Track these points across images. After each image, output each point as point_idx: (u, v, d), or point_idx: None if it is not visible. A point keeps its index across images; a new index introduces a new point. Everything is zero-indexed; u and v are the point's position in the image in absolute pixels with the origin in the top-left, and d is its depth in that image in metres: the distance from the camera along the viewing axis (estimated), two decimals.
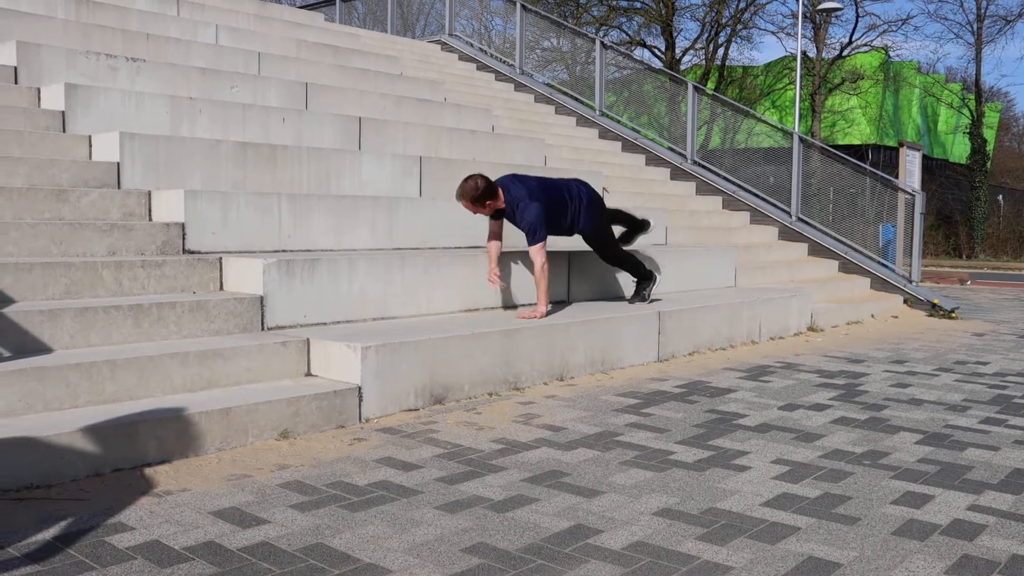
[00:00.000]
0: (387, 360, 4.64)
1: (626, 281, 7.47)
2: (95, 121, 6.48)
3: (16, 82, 6.86)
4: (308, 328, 5.11)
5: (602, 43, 13.98)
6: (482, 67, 15.01)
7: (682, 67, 35.23)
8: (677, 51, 35.14)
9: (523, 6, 14.91)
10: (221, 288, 5.27)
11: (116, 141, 5.96)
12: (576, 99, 14.36)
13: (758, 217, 11.92)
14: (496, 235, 6.16)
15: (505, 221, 6.61)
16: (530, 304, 6.50)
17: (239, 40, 9.78)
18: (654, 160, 12.85)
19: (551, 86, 14.94)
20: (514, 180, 6.08)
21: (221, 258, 5.30)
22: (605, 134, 13.34)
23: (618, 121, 13.91)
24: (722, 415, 4.86)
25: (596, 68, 13.82)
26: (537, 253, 5.92)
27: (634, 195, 10.63)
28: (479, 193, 5.89)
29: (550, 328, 5.65)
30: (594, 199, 6.45)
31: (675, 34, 34.88)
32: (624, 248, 6.97)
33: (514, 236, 7.30)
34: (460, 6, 17.03)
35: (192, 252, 5.54)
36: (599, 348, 6.02)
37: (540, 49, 21.59)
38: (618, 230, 7.26)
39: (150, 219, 5.75)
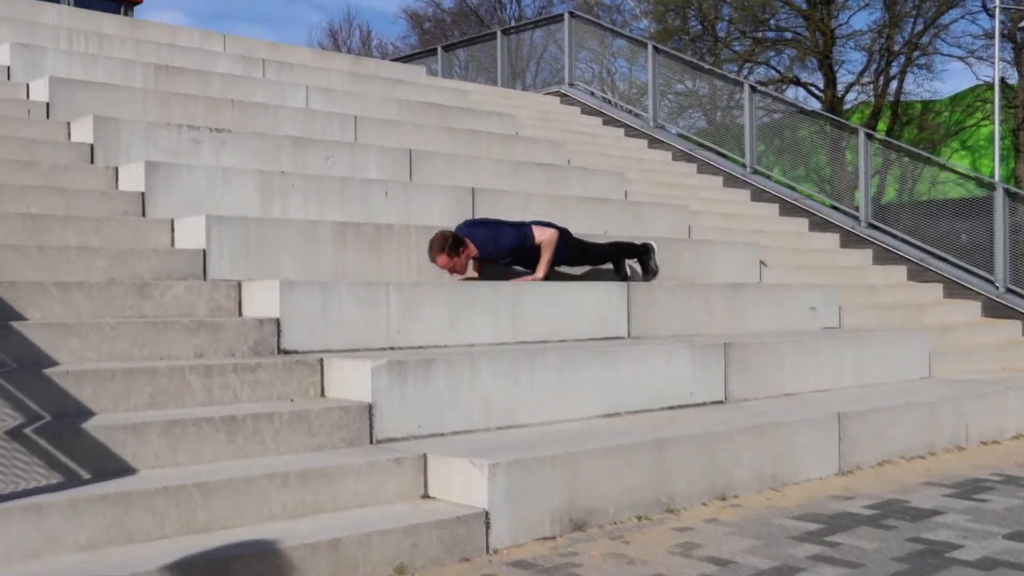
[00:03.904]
0: (519, 479, 4.67)
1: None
2: (177, 202, 6.83)
3: (92, 161, 7.30)
4: (423, 441, 5.20)
5: (751, 87, 14.02)
6: (609, 121, 15.21)
7: (845, 106, 34.90)
8: (839, 87, 34.89)
9: (655, 47, 15.11)
10: (322, 394, 5.42)
11: (201, 225, 6.25)
12: (722, 154, 14.38)
13: (954, 289, 11.61)
14: (480, 267, 7.40)
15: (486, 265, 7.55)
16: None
17: (332, 102, 10.20)
18: (819, 224, 12.71)
19: (688, 138, 15.01)
20: (472, 224, 7.25)
21: (322, 359, 5.46)
22: (759, 195, 13.28)
23: (768, 176, 13.85)
24: (930, 545, 4.69)
25: (745, 117, 13.83)
26: (541, 232, 7.23)
27: (798, 268, 10.52)
28: (449, 243, 6.88)
29: (710, 437, 5.59)
30: (560, 241, 7.43)
31: (836, 68, 34.68)
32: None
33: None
34: (578, 48, 17.37)
35: (288, 352, 5.72)
36: (768, 459, 5.92)
37: (673, 94, 21.78)
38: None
39: (240, 314, 5.99)
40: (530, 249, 7.30)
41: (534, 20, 21.77)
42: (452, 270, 7.00)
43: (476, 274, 7.47)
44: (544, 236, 7.26)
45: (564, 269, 7.89)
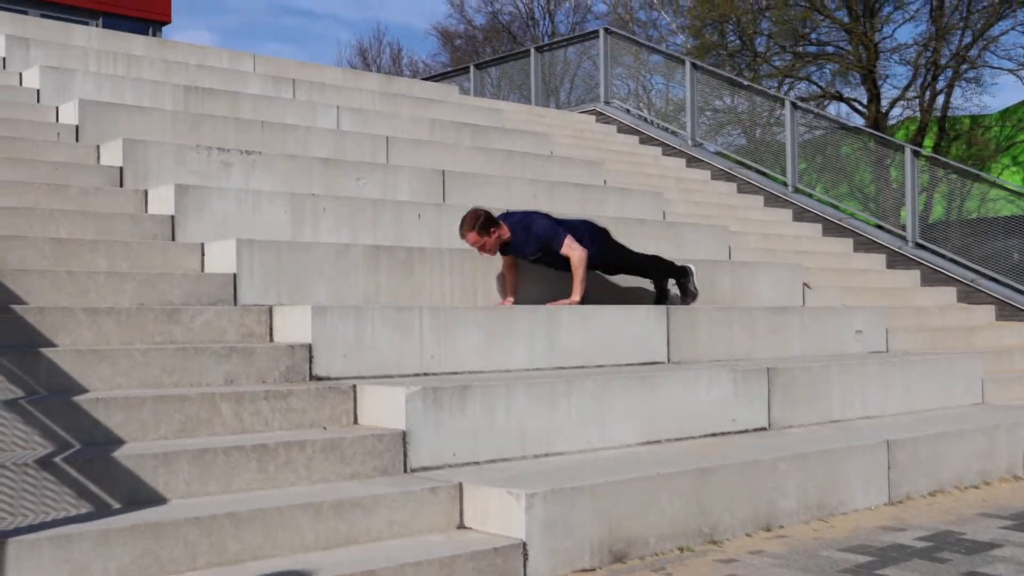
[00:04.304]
0: (557, 509, 4.65)
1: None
2: (207, 226, 6.89)
3: (122, 184, 7.39)
4: (459, 469, 5.20)
5: (793, 103, 13.98)
6: (646, 139, 15.22)
7: (890, 122, 34.68)
8: (883, 103, 34.69)
9: (693, 64, 15.12)
10: (355, 422, 5.43)
11: (232, 249, 6.30)
12: (762, 173, 14.34)
13: (1007, 311, 11.49)
14: (512, 268, 7.36)
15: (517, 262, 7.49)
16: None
17: (364, 123, 10.27)
18: (864, 244, 12.64)
19: (728, 156, 14.98)
20: (507, 212, 7.29)
21: (355, 386, 5.48)
22: (801, 215, 13.23)
23: (811, 195, 13.78)
24: None
25: (787, 134, 13.80)
26: (569, 248, 7.15)
27: (843, 290, 10.46)
28: (481, 222, 6.96)
29: (753, 465, 5.56)
30: (598, 232, 7.54)
31: (880, 82, 34.50)
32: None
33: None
34: (613, 64, 17.39)
35: (321, 379, 5.75)
36: (815, 488, 5.87)
37: (711, 111, 21.76)
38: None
39: (271, 340, 6.02)
40: (556, 253, 7.25)
41: (568, 37, 21.88)
42: (482, 248, 7.08)
43: (512, 277, 7.41)
44: (573, 253, 7.20)
45: (603, 276, 7.90)
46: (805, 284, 9.85)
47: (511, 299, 7.36)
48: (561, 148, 12.78)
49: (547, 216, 7.35)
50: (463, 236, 7.07)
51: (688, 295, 7.92)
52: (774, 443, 6.21)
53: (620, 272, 7.86)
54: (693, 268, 8.00)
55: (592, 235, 7.50)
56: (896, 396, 7.79)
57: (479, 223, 7.00)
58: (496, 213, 7.27)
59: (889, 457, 6.35)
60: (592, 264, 7.45)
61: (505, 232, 7.14)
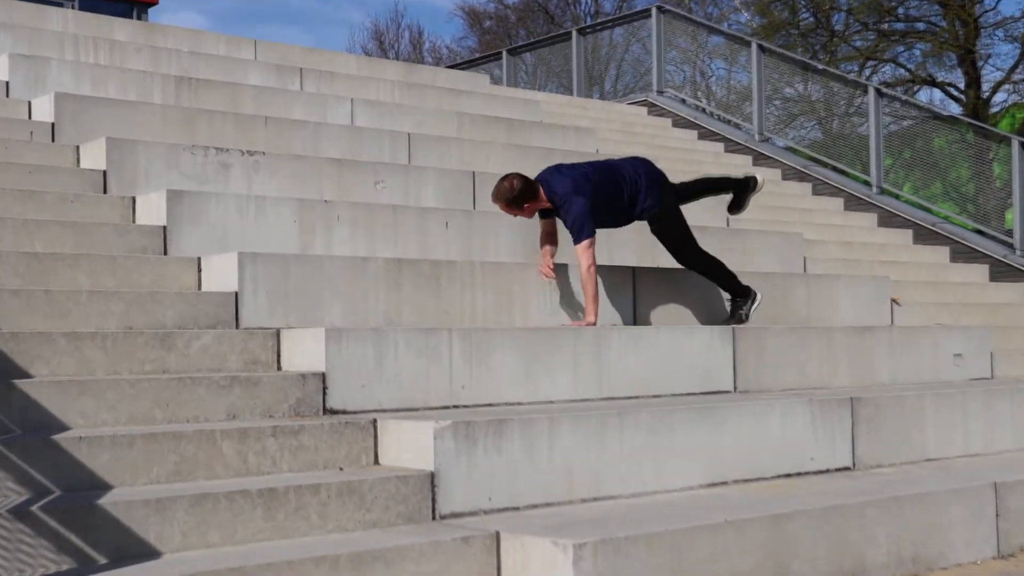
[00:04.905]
0: (609, 562, 4.65)
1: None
2: (205, 238, 6.95)
3: (105, 191, 7.47)
4: (495, 516, 5.20)
5: (877, 90, 13.95)
6: (705, 134, 15.24)
7: (992, 109, 34.45)
8: (984, 87, 34.48)
9: (760, 46, 15.11)
10: (376, 461, 5.46)
11: (233, 264, 6.35)
12: (841, 171, 14.29)
13: None
14: (549, 236, 7.56)
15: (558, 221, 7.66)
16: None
17: (382, 118, 10.34)
18: (963, 253, 12.57)
19: (800, 152, 14.95)
20: (554, 172, 7.43)
21: (375, 420, 5.51)
22: (888, 219, 13.18)
23: (897, 196, 13.73)
24: None
25: (870, 126, 13.77)
26: (583, 253, 7.15)
27: (939, 307, 10.41)
28: (515, 195, 7.16)
29: (836, 511, 5.53)
30: (656, 177, 7.71)
31: (980, 63, 34.29)
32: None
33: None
34: (667, 47, 17.41)
35: (336, 412, 5.78)
36: (908, 539, 5.83)
37: (780, 100, 21.72)
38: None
39: (279, 368, 6.06)
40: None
41: (615, 17, 21.93)
42: (515, 215, 7.43)
43: (550, 245, 7.58)
44: (583, 262, 7.21)
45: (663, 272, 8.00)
46: (894, 300, 9.81)
47: (549, 261, 7.50)
48: (608, 145, 12.81)
49: (583, 197, 7.26)
50: (494, 201, 7.36)
51: (735, 317, 7.94)
52: (860, 485, 6.18)
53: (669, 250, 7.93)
54: (759, 296, 8.00)
55: (651, 182, 7.64)
56: (1005, 430, 7.72)
57: (513, 196, 7.20)
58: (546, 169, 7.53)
59: (997, 502, 6.29)
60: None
61: (543, 202, 7.33)
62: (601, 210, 7.39)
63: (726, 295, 8.13)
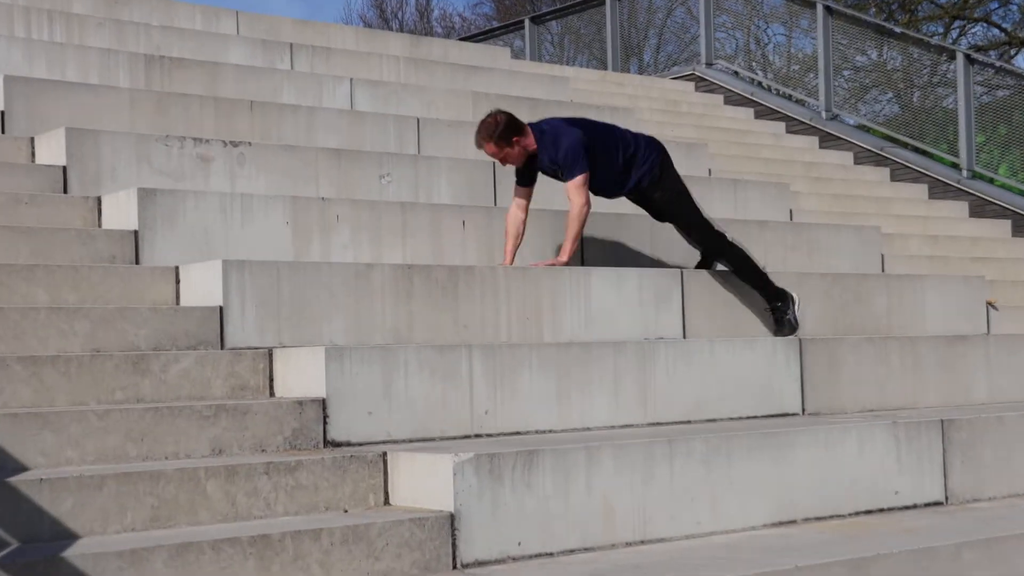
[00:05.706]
0: None
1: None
2: (182, 243, 6.95)
3: (66, 190, 7.46)
4: (525, 563, 5.18)
5: (966, 55, 13.86)
6: (763, 112, 15.19)
7: None
8: None
9: (827, 7, 15.04)
10: (386, 502, 5.43)
11: (216, 273, 6.33)
12: (924, 152, 14.21)
13: None
14: (521, 202, 7.69)
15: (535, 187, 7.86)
16: None
17: (386, 101, 10.33)
18: None
19: (875, 131, 14.87)
20: (544, 120, 7.79)
21: (384, 453, 5.49)
22: (981, 209, 13.10)
23: (991, 181, 13.64)
24: None
25: (959, 98, 13.69)
26: (576, 191, 7.45)
27: None
28: (501, 129, 7.38)
29: (927, 555, 5.49)
30: (655, 143, 7.92)
31: None
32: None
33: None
34: (718, 10, 17.36)
35: (339, 444, 5.76)
36: None
37: (851, 69, 21.62)
38: None
39: (272, 394, 6.05)
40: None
41: None
42: (503, 161, 7.64)
43: (517, 222, 7.77)
44: (574, 201, 7.52)
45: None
46: (990, 303, 9.75)
47: (512, 247, 7.71)
48: (649, 127, 12.68)
49: (577, 128, 7.64)
50: (479, 146, 7.59)
51: (784, 327, 7.89)
52: (955, 523, 6.14)
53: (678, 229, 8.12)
54: (796, 297, 7.96)
55: (650, 150, 7.87)
56: None
57: (499, 131, 7.42)
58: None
59: None
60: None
61: (530, 142, 7.55)
62: (594, 165, 7.57)
63: (765, 303, 8.05)
